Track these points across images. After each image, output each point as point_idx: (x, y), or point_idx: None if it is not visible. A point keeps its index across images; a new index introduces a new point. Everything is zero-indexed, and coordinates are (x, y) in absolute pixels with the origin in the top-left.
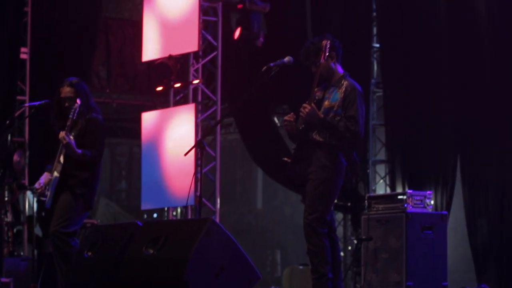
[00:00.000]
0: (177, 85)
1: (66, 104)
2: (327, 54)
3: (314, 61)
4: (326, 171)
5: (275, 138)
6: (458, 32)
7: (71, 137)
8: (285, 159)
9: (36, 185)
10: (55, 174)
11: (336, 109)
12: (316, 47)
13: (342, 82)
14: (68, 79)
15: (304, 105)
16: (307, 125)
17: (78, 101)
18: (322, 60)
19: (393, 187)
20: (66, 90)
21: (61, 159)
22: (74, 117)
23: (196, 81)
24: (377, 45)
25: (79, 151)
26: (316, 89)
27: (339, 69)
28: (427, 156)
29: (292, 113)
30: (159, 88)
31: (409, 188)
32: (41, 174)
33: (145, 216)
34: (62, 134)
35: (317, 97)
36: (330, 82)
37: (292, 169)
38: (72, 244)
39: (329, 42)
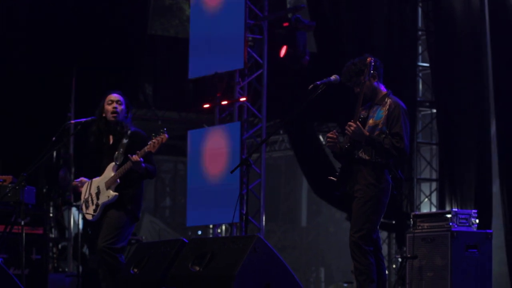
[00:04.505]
0: (223, 102)
1: (114, 106)
2: (371, 73)
3: (356, 82)
4: (372, 189)
5: (321, 156)
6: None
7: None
8: (331, 178)
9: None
10: (112, 192)
11: (380, 126)
12: (357, 67)
13: (386, 100)
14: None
15: (349, 123)
16: (352, 144)
17: (166, 135)
18: (366, 79)
19: (441, 206)
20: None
21: (118, 178)
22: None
23: (242, 99)
24: (423, 64)
25: (144, 165)
26: (360, 108)
27: (382, 88)
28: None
29: (334, 131)
30: (206, 106)
31: (455, 207)
32: None
33: (190, 233)
34: (135, 157)
35: (362, 116)
36: (373, 101)
37: (338, 188)
38: (120, 260)
39: (372, 60)
